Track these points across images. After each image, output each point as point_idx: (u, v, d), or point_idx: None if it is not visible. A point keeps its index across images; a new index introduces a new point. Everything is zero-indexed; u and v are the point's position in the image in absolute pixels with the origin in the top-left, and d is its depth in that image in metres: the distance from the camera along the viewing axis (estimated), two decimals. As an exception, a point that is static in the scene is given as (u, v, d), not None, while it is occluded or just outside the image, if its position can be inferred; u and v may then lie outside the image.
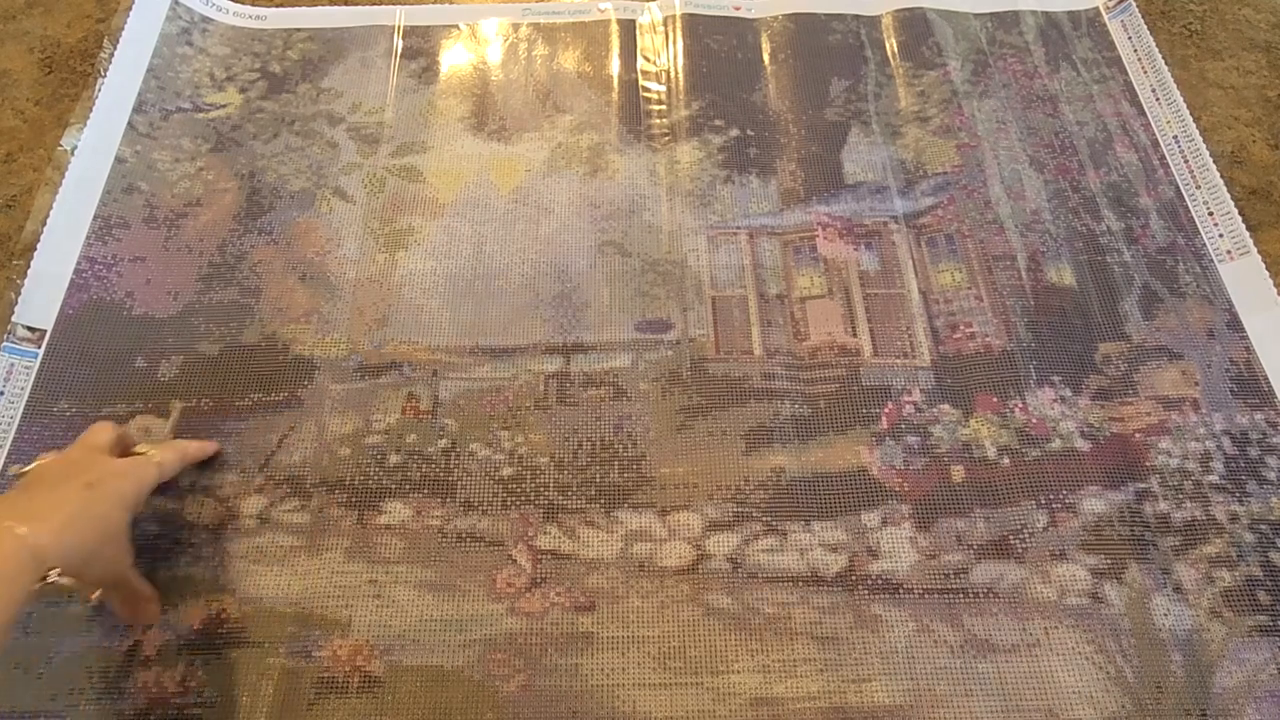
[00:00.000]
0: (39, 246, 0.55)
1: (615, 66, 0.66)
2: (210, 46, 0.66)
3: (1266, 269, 0.54)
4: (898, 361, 0.52)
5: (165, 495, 0.48)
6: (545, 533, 0.47)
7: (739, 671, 0.43)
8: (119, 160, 0.60)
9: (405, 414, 0.51)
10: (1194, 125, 0.61)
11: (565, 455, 0.49)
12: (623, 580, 0.45)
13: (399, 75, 0.65)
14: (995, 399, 0.51)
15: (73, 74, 0.65)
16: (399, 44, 0.67)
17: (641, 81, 0.65)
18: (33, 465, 0.42)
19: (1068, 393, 0.51)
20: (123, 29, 0.65)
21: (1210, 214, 0.57)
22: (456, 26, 0.68)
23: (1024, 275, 0.56)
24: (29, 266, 0.54)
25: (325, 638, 0.44)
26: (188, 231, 0.57)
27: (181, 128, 0.62)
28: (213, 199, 0.59)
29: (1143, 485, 0.48)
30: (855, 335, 0.53)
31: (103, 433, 0.44)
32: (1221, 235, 0.56)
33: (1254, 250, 0.55)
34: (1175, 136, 0.61)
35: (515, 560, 0.46)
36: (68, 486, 0.39)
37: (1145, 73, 0.64)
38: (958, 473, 0.48)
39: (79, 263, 0.55)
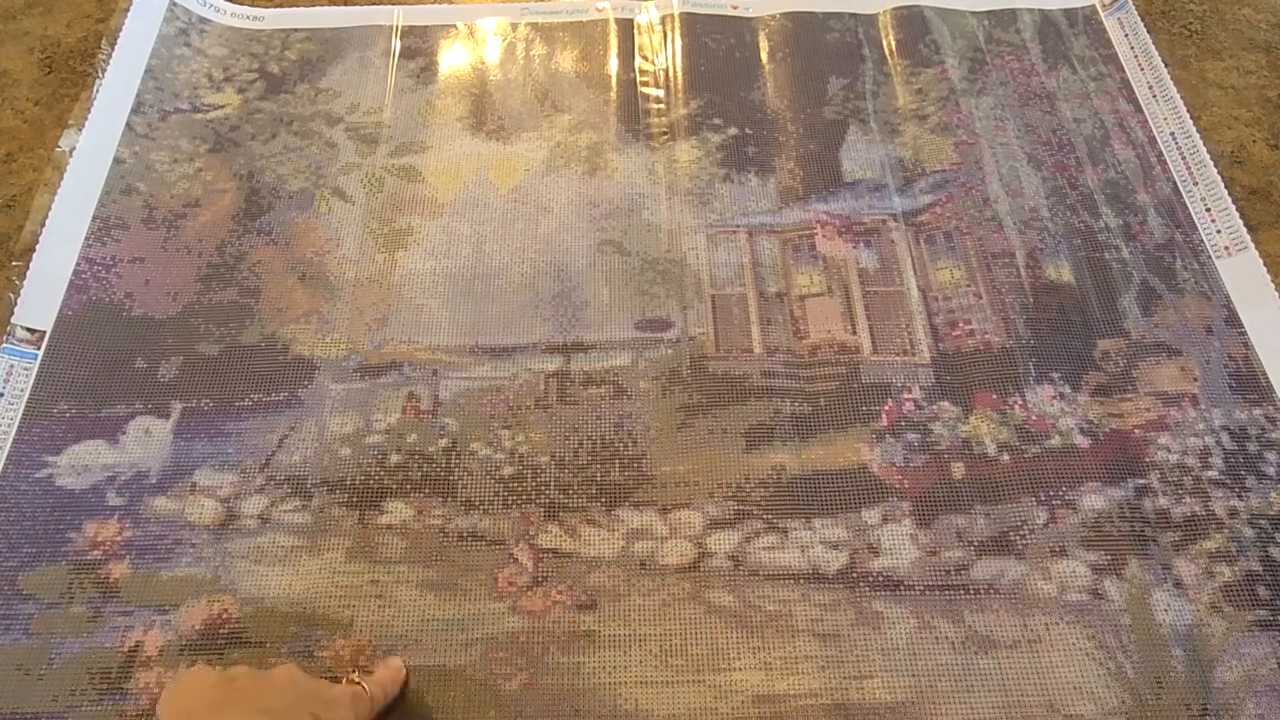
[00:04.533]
0: (38, 247, 0.55)
1: (613, 66, 0.66)
2: (208, 47, 0.66)
3: (1266, 269, 0.54)
4: (897, 359, 0.53)
5: (166, 496, 0.48)
6: (546, 531, 0.47)
7: (741, 669, 0.43)
8: (117, 161, 0.60)
9: (406, 414, 0.51)
10: (1191, 122, 0.61)
11: (566, 454, 0.49)
12: (624, 578, 0.45)
13: (397, 75, 0.65)
14: (995, 396, 0.51)
15: (73, 74, 0.64)
16: (397, 44, 0.67)
17: (640, 80, 0.65)
18: (237, 665, 0.38)
19: (1067, 389, 0.51)
20: (120, 30, 0.65)
21: (1208, 210, 0.57)
22: (454, 26, 0.68)
23: (1022, 272, 0.56)
24: (28, 267, 0.54)
25: (327, 638, 0.44)
26: (187, 232, 0.57)
27: (180, 128, 0.62)
28: (211, 199, 0.59)
29: (1142, 481, 0.48)
30: (855, 333, 0.54)
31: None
32: (1219, 231, 0.56)
33: (1251, 246, 0.55)
34: (1172, 133, 0.61)
35: (517, 559, 0.46)
36: (290, 715, 0.35)
37: (1142, 70, 0.65)
38: (958, 469, 0.49)
39: (78, 264, 0.55)
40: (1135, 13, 0.67)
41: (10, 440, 0.49)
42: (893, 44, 0.67)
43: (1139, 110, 0.63)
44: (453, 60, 0.66)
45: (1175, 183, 0.59)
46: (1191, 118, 0.61)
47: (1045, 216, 0.58)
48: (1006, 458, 0.49)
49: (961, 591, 0.45)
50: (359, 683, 0.40)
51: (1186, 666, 0.42)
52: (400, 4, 0.69)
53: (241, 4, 0.69)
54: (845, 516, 0.47)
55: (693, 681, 0.43)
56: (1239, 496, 0.47)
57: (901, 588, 0.45)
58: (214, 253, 0.57)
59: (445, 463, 0.49)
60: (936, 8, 0.68)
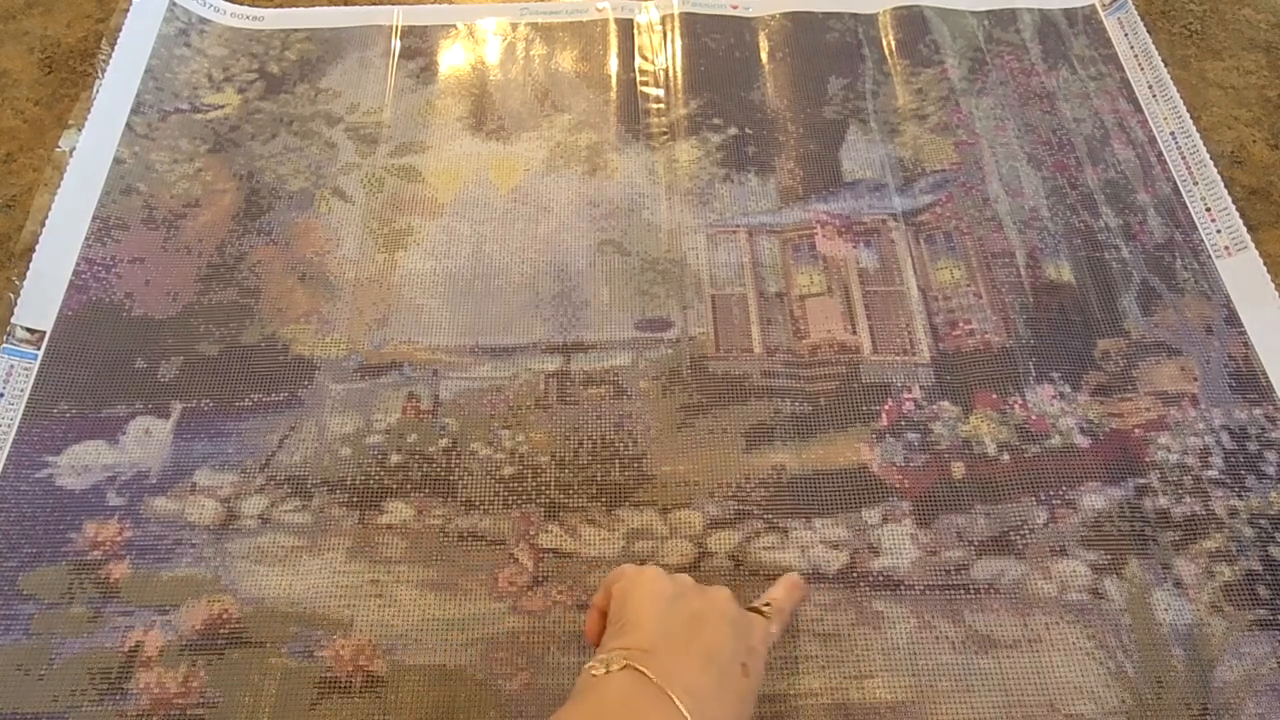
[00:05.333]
0: (38, 247, 0.55)
1: (613, 65, 0.66)
2: (208, 47, 0.66)
3: (1267, 269, 0.54)
4: (897, 359, 0.53)
5: (166, 496, 0.48)
6: (547, 531, 0.47)
7: (741, 669, 0.43)
8: (117, 161, 0.60)
9: (406, 414, 0.51)
10: (1191, 122, 0.61)
11: (566, 454, 0.49)
12: (624, 578, 0.45)
13: (397, 75, 0.65)
14: (995, 395, 0.51)
15: (73, 74, 0.64)
16: (397, 44, 0.67)
17: (640, 80, 0.65)
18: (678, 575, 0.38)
19: (1067, 389, 0.51)
20: (120, 30, 0.65)
21: (1208, 210, 0.57)
22: (454, 26, 0.68)
23: (1022, 272, 0.56)
24: (28, 268, 0.54)
25: (327, 637, 0.44)
26: (187, 232, 0.57)
27: (180, 129, 0.62)
28: (211, 199, 0.59)
29: (1142, 481, 0.48)
30: (855, 333, 0.54)
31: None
32: (1219, 231, 0.56)
33: (1251, 246, 0.55)
34: (1172, 133, 0.61)
35: (517, 559, 0.46)
36: (732, 669, 0.34)
37: (1142, 70, 0.65)
38: (958, 469, 0.49)
39: (78, 264, 0.55)
40: (1135, 12, 0.67)
41: (10, 440, 0.49)
42: (892, 44, 0.67)
43: (1139, 110, 0.63)
44: (453, 60, 0.66)
45: (1175, 182, 0.59)
46: (1191, 117, 0.61)
47: (1045, 216, 0.58)
48: (1006, 457, 0.49)
49: (962, 591, 0.45)
50: (769, 617, 0.39)
51: (1187, 666, 0.42)
52: (400, 4, 0.69)
53: (241, 4, 0.69)
54: (845, 516, 0.47)
55: (693, 681, 0.43)
56: (1239, 496, 0.47)
57: (902, 587, 0.45)
58: (214, 253, 0.57)
59: (445, 463, 0.49)
60: (936, 7, 0.68)
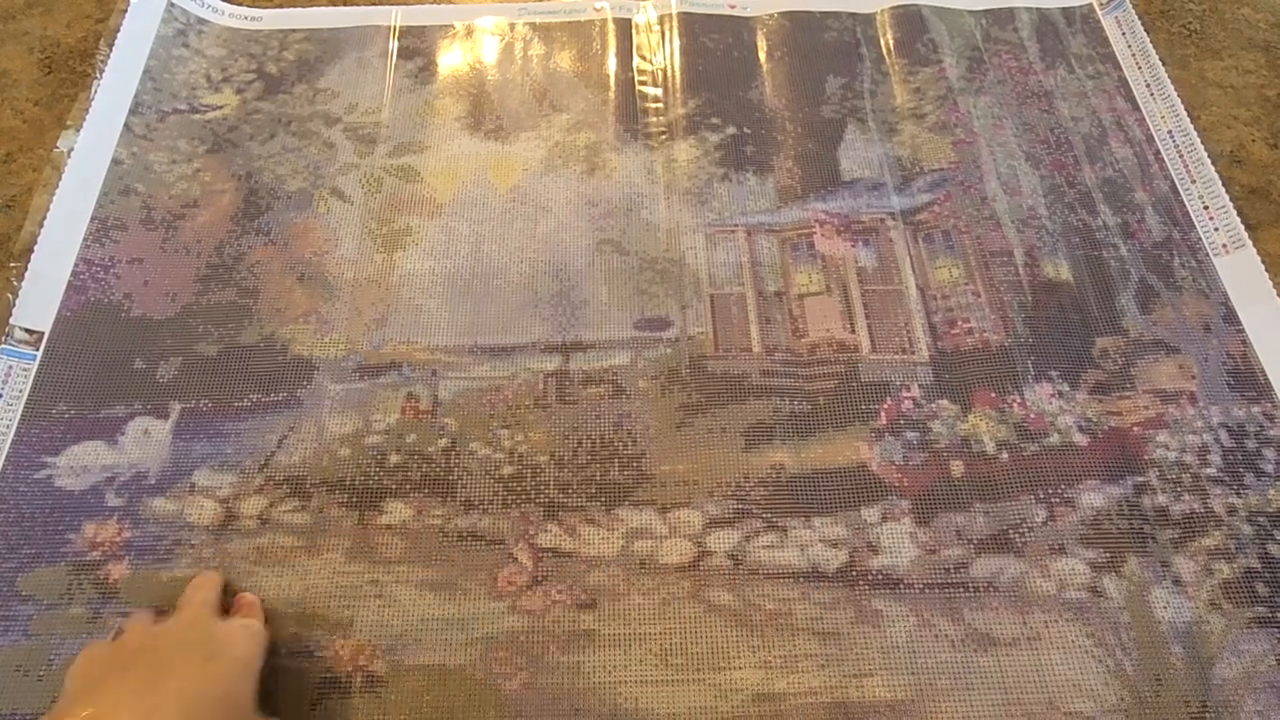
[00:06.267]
0: (36, 248, 0.55)
1: (611, 65, 0.66)
2: (206, 48, 0.66)
3: (1266, 269, 0.54)
4: (896, 357, 0.53)
5: (165, 496, 0.48)
6: (546, 531, 0.47)
7: (740, 667, 0.43)
8: (116, 162, 0.60)
9: (405, 414, 0.51)
10: (1189, 120, 0.61)
11: (565, 453, 0.49)
12: (624, 577, 0.45)
13: (395, 75, 0.65)
14: (993, 394, 0.51)
15: (72, 74, 0.64)
16: (395, 44, 0.67)
17: (638, 80, 0.65)
18: (130, 621, 0.40)
19: (1065, 387, 0.51)
20: (118, 31, 0.65)
21: (1205, 208, 0.57)
22: (452, 26, 0.68)
23: (1021, 271, 0.56)
24: (27, 268, 0.54)
25: (327, 638, 0.44)
26: (185, 233, 0.57)
27: (178, 129, 0.62)
28: (210, 200, 0.59)
29: (1141, 479, 0.48)
30: (854, 332, 0.54)
31: (209, 587, 0.42)
32: (1217, 229, 0.57)
33: (1249, 244, 0.55)
34: (1170, 131, 0.61)
35: (516, 558, 0.46)
36: (185, 663, 0.36)
37: (1139, 69, 0.65)
38: (957, 468, 0.49)
39: (76, 264, 0.55)
40: (1132, 11, 0.67)
41: (9, 441, 0.49)
42: (890, 43, 0.67)
43: (1136, 108, 0.63)
44: (451, 60, 0.66)
45: (1173, 180, 0.59)
46: (1190, 117, 0.61)
47: (1043, 215, 0.58)
48: (1005, 456, 0.49)
49: (961, 589, 0.45)
50: (249, 618, 0.42)
51: (1185, 664, 0.43)
52: (398, 4, 0.69)
53: (239, 4, 0.69)
54: (844, 515, 0.47)
55: (693, 680, 0.43)
56: (1237, 494, 0.47)
57: (901, 586, 0.45)
58: (212, 253, 0.56)
59: (445, 463, 0.49)
60: (934, 6, 0.68)
